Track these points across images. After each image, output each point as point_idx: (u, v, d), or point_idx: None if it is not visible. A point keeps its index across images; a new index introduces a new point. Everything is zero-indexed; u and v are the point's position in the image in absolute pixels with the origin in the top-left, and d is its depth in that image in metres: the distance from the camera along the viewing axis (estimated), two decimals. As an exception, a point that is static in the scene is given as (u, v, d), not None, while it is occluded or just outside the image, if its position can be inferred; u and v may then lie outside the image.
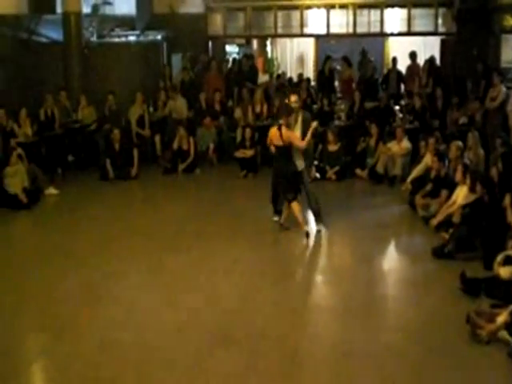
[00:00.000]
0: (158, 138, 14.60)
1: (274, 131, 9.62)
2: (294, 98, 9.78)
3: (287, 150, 9.56)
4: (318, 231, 9.84)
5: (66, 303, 7.58)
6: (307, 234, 9.52)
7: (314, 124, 9.72)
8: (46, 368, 6.34)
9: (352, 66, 17.18)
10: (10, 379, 6.00)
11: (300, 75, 18.06)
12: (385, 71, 18.40)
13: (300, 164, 9.70)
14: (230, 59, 18.94)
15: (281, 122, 9.55)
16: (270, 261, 8.90)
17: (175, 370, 6.08)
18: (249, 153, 13.71)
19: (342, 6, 17.37)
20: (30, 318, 7.27)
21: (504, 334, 6.36)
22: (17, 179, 11.49)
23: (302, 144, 9.56)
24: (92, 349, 6.51)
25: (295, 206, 9.58)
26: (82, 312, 7.33)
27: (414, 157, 12.33)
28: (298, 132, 9.65)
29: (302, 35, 18.58)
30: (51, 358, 6.43)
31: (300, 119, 9.72)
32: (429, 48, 18.78)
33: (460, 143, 10.64)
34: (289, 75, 19.86)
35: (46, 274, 8.48)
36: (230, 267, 8.62)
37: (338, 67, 17.90)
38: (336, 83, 17.69)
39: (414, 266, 8.81)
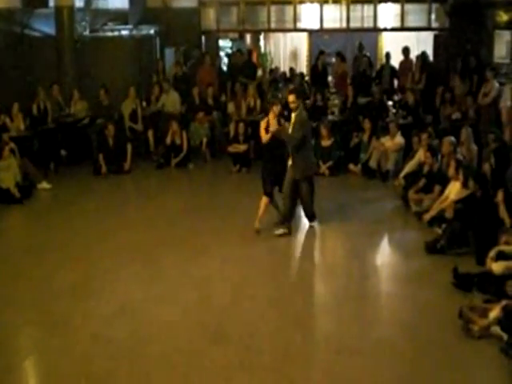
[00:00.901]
0: (150, 133, 14.56)
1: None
2: (291, 97, 9.37)
3: (275, 142, 9.49)
4: (311, 227, 9.87)
5: (59, 298, 7.57)
6: (257, 231, 9.62)
7: (273, 127, 9.33)
8: (39, 363, 6.34)
9: (346, 61, 17.20)
10: (2, 374, 6.00)
11: (291, 70, 18.05)
12: (378, 66, 18.39)
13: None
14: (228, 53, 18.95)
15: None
16: (262, 256, 8.90)
17: (168, 366, 6.08)
18: (242, 148, 13.70)
19: (336, 1, 17.37)
20: (23, 313, 7.25)
21: (496, 329, 6.38)
22: (9, 174, 11.47)
23: (264, 138, 9.49)
24: (85, 344, 6.51)
25: (265, 199, 9.64)
26: (75, 307, 7.32)
27: (407, 152, 12.34)
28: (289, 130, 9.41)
29: (296, 30, 18.55)
30: (44, 353, 6.42)
31: (293, 120, 9.40)
32: (422, 43, 18.78)
33: (453, 138, 10.66)
34: (282, 70, 19.82)
35: (38, 269, 8.48)
36: (223, 262, 8.63)
37: (333, 59, 17.89)
38: (329, 78, 17.70)
39: (406, 261, 8.83)
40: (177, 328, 6.82)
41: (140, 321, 6.98)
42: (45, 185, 12.30)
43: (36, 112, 13.88)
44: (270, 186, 9.65)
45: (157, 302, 7.44)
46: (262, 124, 9.63)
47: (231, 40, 21.64)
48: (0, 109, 12.92)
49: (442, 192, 9.84)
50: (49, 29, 15.20)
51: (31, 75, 14.49)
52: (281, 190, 9.69)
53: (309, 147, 9.71)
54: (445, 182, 9.87)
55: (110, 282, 8.05)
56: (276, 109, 9.43)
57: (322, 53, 17.30)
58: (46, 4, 15.14)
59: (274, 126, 9.32)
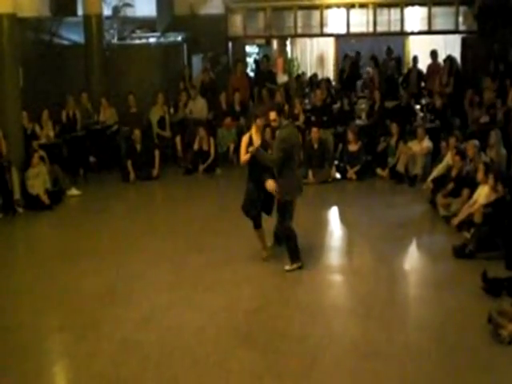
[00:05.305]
0: (178, 139, 14.65)
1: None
2: (273, 115, 8.30)
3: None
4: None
5: (87, 303, 7.65)
6: (264, 259, 8.82)
7: (251, 148, 8.36)
8: (68, 366, 6.41)
9: (379, 66, 17.20)
10: (33, 377, 6.08)
11: (315, 75, 18.08)
12: (405, 70, 18.34)
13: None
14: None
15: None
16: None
17: (196, 370, 6.10)
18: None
19: (362, 5, 17.30)
20: (53, 318, 7.34)
21: (526, 334, 6.33)
22: (39, 180, 11.61)
23: (242, 158, 8.58)
24: (113, 348, 6.56)
25: (256, 233, 8.83)
26: (103, 312, 7.39)
27: (435, 156, 12.28)
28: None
29: (322, 35, 18.54)
30: (73, 357, 6.49)
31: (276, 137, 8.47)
32: (449, 46, 18.67)
33: (476, 142, 10.59)
34: (309, 75, 19.84)
35: (68, 274, 8.57)
36: (251, 267, 8.63)
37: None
38: (358, 82, 17.71)
39: (434, 265, 8.78)
40: (204, 332, 6.84)
41: (168, 325, 7.02)
42: (74, 191, 12.43)
43: (65, 119, 14.05)
44: (254, 210, 8.67)
45: (184, 307, 7.47)
46: (244, 139, 8.63)
47: (258, 46, 21.68)
48: (30, 116, 13.06)
49: (470, 196, 9.76)
50: (77, 37, 15.37)
51: (60, 83, 14.64)
52: (268, 213, 8.82)
53: (293, 167, 8.45)
54: (473, 185, 9.79)
55: (138, 287, 8.11)
56: (260, 122, 8.49)
57: (346, 56, 17.32)
58: (74, 12, 15.31)
59: (256, 143, 8.42)
